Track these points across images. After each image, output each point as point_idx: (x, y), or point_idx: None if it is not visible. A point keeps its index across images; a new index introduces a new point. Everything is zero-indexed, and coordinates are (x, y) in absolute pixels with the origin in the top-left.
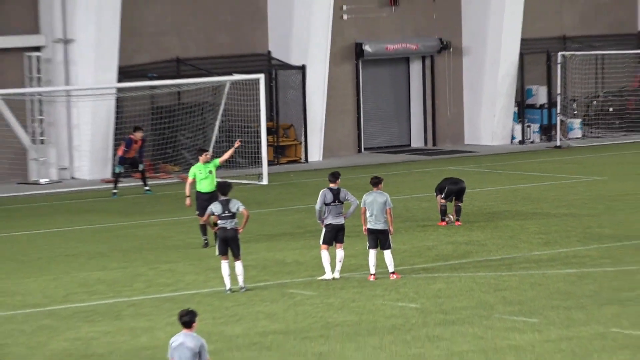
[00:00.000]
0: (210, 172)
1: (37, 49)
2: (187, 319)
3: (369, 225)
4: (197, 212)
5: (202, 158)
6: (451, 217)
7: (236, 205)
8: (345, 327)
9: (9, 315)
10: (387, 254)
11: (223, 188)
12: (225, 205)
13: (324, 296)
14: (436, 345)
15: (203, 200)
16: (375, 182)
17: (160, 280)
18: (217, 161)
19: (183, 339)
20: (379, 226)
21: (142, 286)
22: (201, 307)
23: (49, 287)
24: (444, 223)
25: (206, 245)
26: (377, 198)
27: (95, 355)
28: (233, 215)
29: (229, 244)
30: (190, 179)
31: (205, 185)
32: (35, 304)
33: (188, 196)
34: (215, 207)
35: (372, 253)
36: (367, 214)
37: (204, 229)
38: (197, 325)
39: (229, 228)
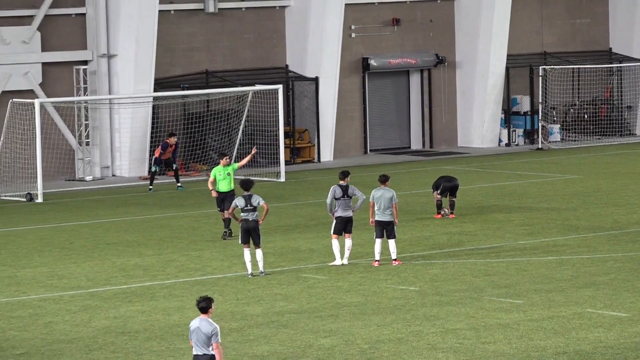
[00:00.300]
0: (229, 174)
1: (84, 62)
2: (204, 305)
3: (376, 217)
4: (219, 209)
5: (222, 161)
6: (446, 210)
7: (257, 200)
8: (352, 307)
9: (56, 296)
10: (392, 242)
11: (246, 184)
12: (248, 199)
13: (334, 280)
14: (433, 324)
15: (221, 199)
16: (383, 179)
17: (191, 266)
18: (236, 165)
19: (199, 324)
20: (386, 218)
21: (175, 271)
22: (226, 289)
23: (92, 271)
24: (439, 216)
25: (229, 235)
26: (384, 194)
27: (132, 332)
28: (254, 209)
29: (251, 234)
30: (211, 178)
31: (223, 185)
32: (80, 286)
33: (212, 189)
34: (239, 201)
35: (378, 242)
36: (375, 208)
37: (226, 221)
38: (214, 310)
39: (250, 220)
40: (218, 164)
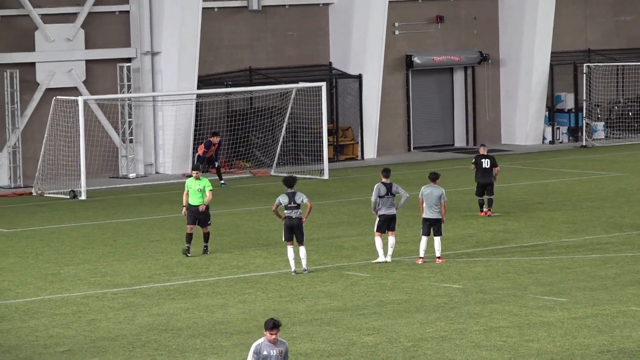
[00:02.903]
0: (200, 190)
1: (128, 60)
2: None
3: (424, 215)
4: (188, 222)
5: (194, 174)
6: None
7: (301, 197)
8: (396, 305)
9: (100, 294)
10: (437, 240)
11: (289, 181)
12: (292, 197)
13: (377, 277)
14: (476, 321)
15: (191, 212)
16: (433, 177)
17: (234, 263)
18: (210, 186)
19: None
20: (434, 215)
21: (218, 268)
22: (269, 286)
23: (135, 268)
24: (483, 214)
25: (187, 252)
26: (433, 191)
27: (175, 329)
28: (298, 206)
29: (294, 231)
30: (185, 190)
31: (194, 199)
32: (123, 284)
33: (184, 206)
34: (282, 199)
35: (424, 239)
36: (424, 205)
37: (189, 237)
38: (272, 335)
39: (294, 217)
40: (262, 161)
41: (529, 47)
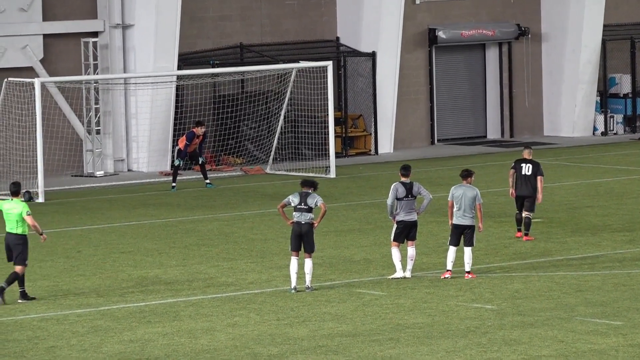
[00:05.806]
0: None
1: (94, 34)
2: None
3: (455, 221)
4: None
5: (19, 194)
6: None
7: (315, 199)
8: (416, 329)
9: (61, 316)
10: (468, 251)
11: (308, 183)
12: (304, 197)
13: (394, 296)
14: (513, 349)
15: (7, 243)
16: (466, 175)
17: (221, 279)
18: (27, 207)
19: None
20: (466, 222)
21: (202, 285)
22: (264, 307)
23: (104, 285)
24: (519, 234)
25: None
26: (466, 192)
27: (151, 358)
28: (310, 209)
29: (303, 239)
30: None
31: (11, 225)
32: (89, 304)
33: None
34: (293, 198)
35: (452, 250)
36: (455, 208)
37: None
38: None
39: (304, 222)
40: (256, 156)
41: (577, 18)
